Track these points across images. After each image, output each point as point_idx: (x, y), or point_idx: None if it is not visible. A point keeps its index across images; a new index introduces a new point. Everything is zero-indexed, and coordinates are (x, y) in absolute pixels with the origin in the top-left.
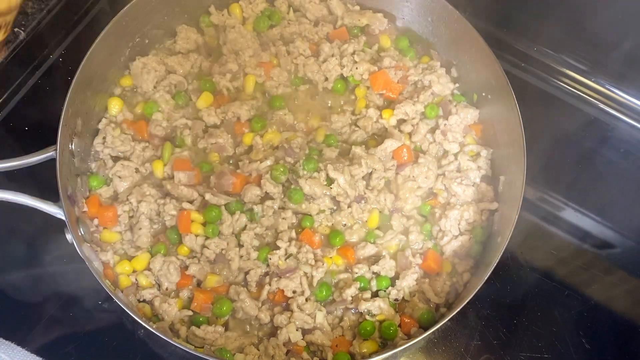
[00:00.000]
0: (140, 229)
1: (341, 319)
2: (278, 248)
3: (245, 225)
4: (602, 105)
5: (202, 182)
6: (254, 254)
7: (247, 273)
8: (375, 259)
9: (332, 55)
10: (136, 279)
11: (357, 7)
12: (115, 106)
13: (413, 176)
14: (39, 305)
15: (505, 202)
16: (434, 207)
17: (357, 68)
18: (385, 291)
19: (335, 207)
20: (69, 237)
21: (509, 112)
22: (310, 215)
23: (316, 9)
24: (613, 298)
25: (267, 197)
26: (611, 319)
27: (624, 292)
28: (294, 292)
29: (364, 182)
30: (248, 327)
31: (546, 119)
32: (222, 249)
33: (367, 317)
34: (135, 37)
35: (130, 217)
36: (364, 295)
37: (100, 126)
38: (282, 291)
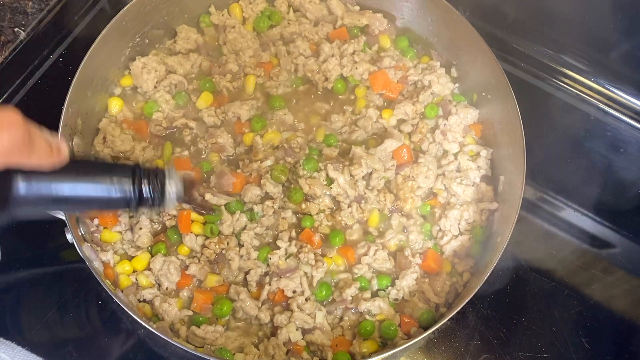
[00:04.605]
0: (140, 228)
1: (341, 319)
2: (278, 248)
3: (245, 225)
4: (602, 105)
5: (202, 182)
6: (254, 254)
7: (247, 273)
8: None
9: (332, 55)
10: (136, 279)
11: (357, 7)
12: (115, 106)
13: (413, 176)
14: (39, 305)
15: (505, 202)
16: (433, 207)
17: (357, 68)
18: (385, 291)
19: (335, 207)
20: (69, 237)
21: (509, 112)
22: (310, 215)
23: (316, 9)
24: (613, 298)
25: (267, 197)
26: (611, 318)
27: (623, 291)
28: (294, 292)
29: (364, 182)
30: (248, 327)
31: (546, 119)
32: (222, 249)
33: (367, 316)
34: (135, 37)
35: (131, 217)
36: (364, 295)
37: (100, 126)
38: (282, 291)
